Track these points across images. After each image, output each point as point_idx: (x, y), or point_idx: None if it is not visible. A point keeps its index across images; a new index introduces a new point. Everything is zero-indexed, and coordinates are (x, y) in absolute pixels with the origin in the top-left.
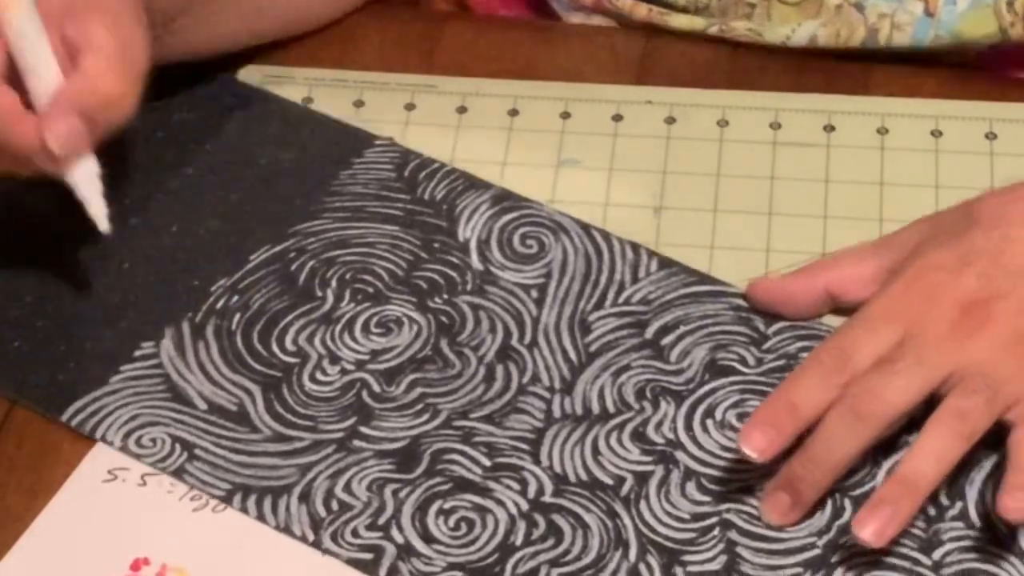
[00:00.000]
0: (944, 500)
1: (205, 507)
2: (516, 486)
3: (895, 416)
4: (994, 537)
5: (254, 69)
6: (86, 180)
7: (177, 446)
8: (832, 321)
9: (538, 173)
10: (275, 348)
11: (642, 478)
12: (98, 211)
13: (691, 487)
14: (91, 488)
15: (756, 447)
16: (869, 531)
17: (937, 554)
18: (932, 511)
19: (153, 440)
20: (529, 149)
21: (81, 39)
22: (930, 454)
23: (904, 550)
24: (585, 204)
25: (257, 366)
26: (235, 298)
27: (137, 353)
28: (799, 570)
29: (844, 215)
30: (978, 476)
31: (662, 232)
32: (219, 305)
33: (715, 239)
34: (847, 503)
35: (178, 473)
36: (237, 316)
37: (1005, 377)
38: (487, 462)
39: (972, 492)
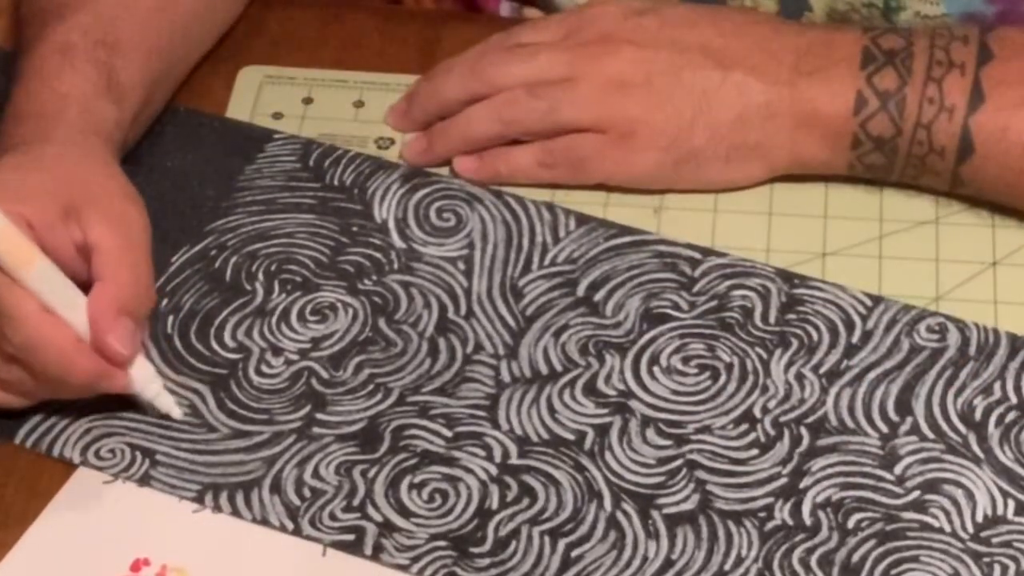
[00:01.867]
0: (894, 416)
1: (205, 507)
2: (481, 452)
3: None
4: (949, 447)
5: (254, 69)
6: (147, 382)
7: (138, 454)
8: (757, 257)
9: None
10: (215, 346)
11: (602, 430)
12: (168, 406)
13: (651, 433)
14: (91, 488)
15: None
16: (408, 152)
17: (898, 468)
18: (885, 429)
19: (112, 451)
20: None
21: (86, 239)
22: (470, 121)
23: (867, 469)
24: (585, 204)
25: (201, 366)
26: (164, 301)
27: None
28: (770, 499)
29: (844, 215)
30: (922, 390)
31: (662, 232)
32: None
33: (715, 239)
34: (803, 431)
35: (144, 480)
36: (171, 318)
37: (580, 102)
38: (448, 433)
39: (919, 406)
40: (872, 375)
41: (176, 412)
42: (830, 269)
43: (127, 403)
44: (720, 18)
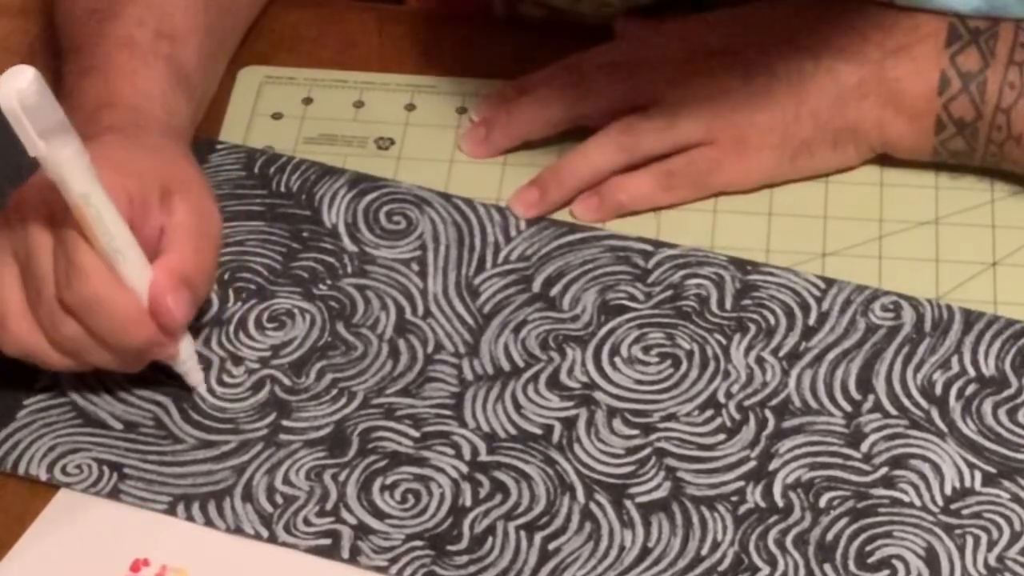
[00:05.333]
0: (856, 395)
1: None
2: (450, 451)
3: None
4: (912, 422)
5: (254, 70)
6: (188, 356)
7: (105, 468)
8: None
9: (538, 172)
10: None
11: (569, 423)
12: (197, 381)
13: (618, 423)
14: None
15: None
16: (519, 206)
17: (864, 446)
18: (848, 408)
19: (79, 467)
20: (529, 148)
21: (169, 222)
22: (586, 155)
23: (834, 448)
24: None
25: (162, 377)
26: None
27: (37, 385)
28: (741, 483)
29: (844, 215)
30: (882, 368)
31: (662, 232)
32: None
33: (715, 239)
34: (768, 414)
35: (113, 494)
36: None
37: (691, 119)
38: (415, 433)
39: (880, 384)
40: (831, 355)
41: (201, 388)
42: (830, 269)
43: (92, 419)
44: (803, 7)
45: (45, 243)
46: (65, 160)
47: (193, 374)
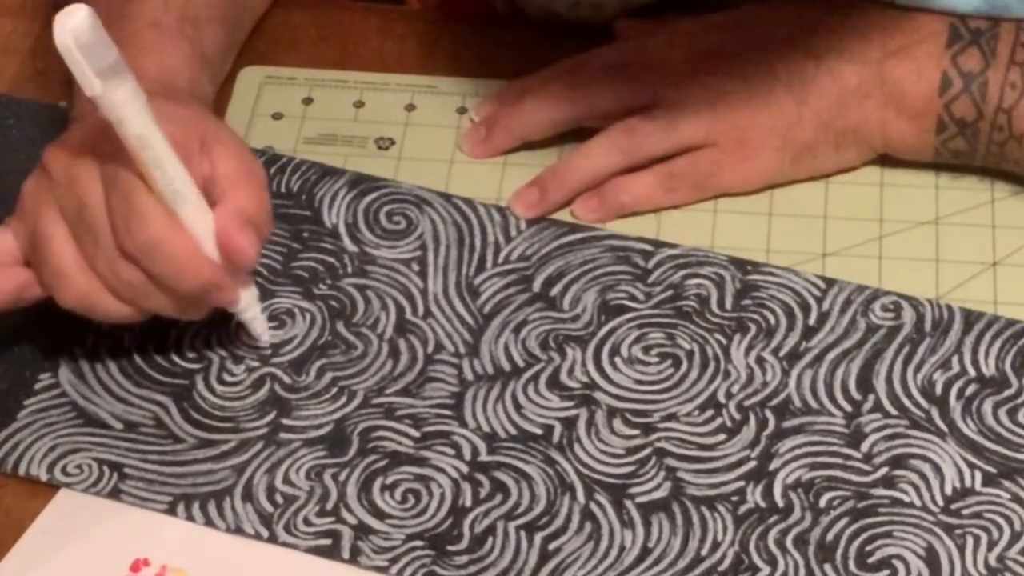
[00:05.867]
0: (857, 395)
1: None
2: (450, 451)
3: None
4: (912, 422)
5: (255, 70)
6: (252, 302)
7: (105, 468)
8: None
9: (538, 172)
10: (175, 357)
11: (569, 423)
12: (262, 329)
13: (618, 423)
14: None
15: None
16: (519, 206)
17: (864, 446)
18: (849, 407)
19: (79, 467)
20: (529, 148)
21: (213, 172)
22: (588, 156)
23: (834, 448)
24: None
25: (162, 378)
26: None
27: (38, 386)
28: (741, 483)
29: (844, 215)
30: (882, 368)
31: (662, 232)
32: (105, 326)
33: (715, 239)
34: (768, 414)
35: (114, 494)
36: (127, 333)
37: (692, 118)
38: (416, 433)
39: (880, 384)
40: (831, 355)
41: (266, 337)
42: (830, 269)
43: (92, 419)
44: (803, 8)
45: (97, 191)
46: (121, 100)
47: (257, 323)
